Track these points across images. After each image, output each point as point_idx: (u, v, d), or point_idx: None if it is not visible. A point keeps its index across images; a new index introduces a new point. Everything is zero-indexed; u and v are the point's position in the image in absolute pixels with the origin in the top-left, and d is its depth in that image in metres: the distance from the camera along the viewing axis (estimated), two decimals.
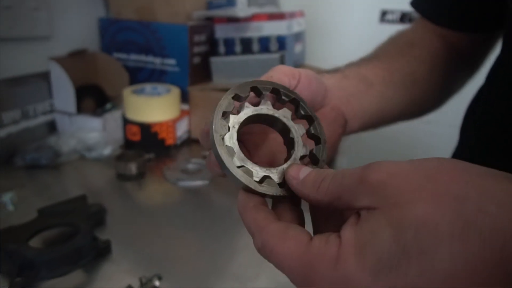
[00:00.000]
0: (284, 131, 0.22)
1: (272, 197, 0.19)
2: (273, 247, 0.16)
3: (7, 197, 0.51)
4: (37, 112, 0.67)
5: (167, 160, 0.69)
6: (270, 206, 0.19)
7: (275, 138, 0.24)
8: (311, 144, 0.22)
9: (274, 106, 0.22)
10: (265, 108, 0.22)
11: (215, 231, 0.49)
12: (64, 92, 0.68)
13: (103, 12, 0.82)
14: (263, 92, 0.22)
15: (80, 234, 0.41)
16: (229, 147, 0.19)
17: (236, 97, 0.21)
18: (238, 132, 0.20)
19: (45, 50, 0.68)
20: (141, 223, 0.51)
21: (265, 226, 0.17)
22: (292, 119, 0.22)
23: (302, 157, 0.21)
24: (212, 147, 0.19)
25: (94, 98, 0.76)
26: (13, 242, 0.39)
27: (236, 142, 0.20)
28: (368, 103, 0.33)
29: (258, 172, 0.19)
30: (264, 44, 0.76)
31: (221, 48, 0.78)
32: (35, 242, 0.41)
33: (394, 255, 0.14)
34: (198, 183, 0.60)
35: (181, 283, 0.39)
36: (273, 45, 0.75)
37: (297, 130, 0.22)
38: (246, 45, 0.77)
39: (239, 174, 0.19)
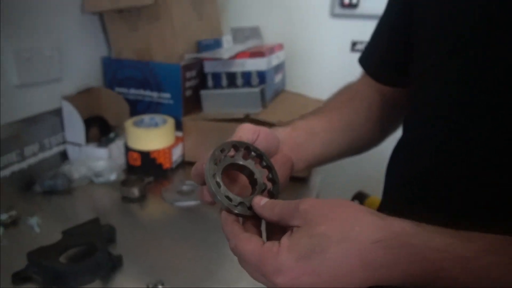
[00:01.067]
0: (250, 174, 0.33)
1: (243, 216, 0.30)
2: (241, 247, 0.27)
3: (34, 220, 0.62)
4: (51, 144, 0.77)
5: (165, 182, 0.80)
6: (241, 222, 0.30)
7: (244, 178, 0.35)
8: (270, 183, 0.33)
9: (244, 156, 0.33)
10: (239, 159, 0.33)
11: (208, 243, 0.60)
12: (74, 125, 0.78)
13: (106, 51, 0.93)
14: (240, 148, 0.33)
15: (98, 251, 0.51)
16: (218, 182, 0.30)
17: (222, 151, 0.32)
18: (222, 173, 0.31)
19: (57, 90, 0.79)
20: (145, 239, 0.61)
21: (237, 234, 0.28)
22: (260, 166, 0.33)
23: (261, 192, 0.32)
24: (207, 182, 0.29)
25: (99, 127, 0.87)
26: (46, 259, 0.50)
27: (220, 180, 0.30)
28: (312, 149, 0.44)
29: (236, 199, 0.30)
30: (247, 78, 0.87)
31: (210, 82, 0.89)
32: (63, 258, 0.51)
33: (308, 251, 0.25)
34: (191, 203, 0.71)
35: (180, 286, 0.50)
36: (254, 80, 0.87)
37: (259, 174, 0.33)
38: (231, 79, 0.88)
39: (224, 200, 0.29)
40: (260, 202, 0.29)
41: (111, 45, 0.89)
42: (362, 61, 0.53)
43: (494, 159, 0.30)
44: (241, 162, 0.32)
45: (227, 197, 0.29)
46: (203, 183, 0.31)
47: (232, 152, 0.33)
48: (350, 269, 0.24)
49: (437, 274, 0.23)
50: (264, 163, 0.33)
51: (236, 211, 0.29)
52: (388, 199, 0.45)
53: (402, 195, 0.41)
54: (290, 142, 0.41)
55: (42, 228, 0.62)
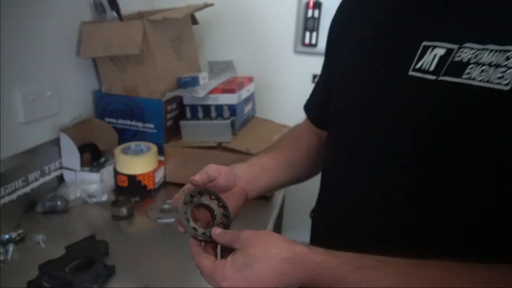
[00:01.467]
0: (211, 211, 0.48)
1: (205, 241, 0.45)
2: (201, 263, 0.42)
3: (39, 237, 0.74)
4: (50, 170, 0.90)
5: (149, 201, 0.94)
6: (203, 245, 0.45)
7: (207, 214, 0.50)
8: (224, 218, 0.48)
9: (207, 199, 0.48)
10: (204, 200, 0.48)
11: (185, 254, 0.73)
12: (70, 153, 0.91)
13: (97, 85, 1.06)
14: (204, 193, 0.48)
15: (96, 263, 0.65)
16: (188, 218, 0.45)
17: (191, 196, 0.47)
18: (192, 211, 0.46)
19: (56, 123, 0.92)
20: (133, 251, 0.75)
21: (199, 254, 0.43)
22: (218, 206, 0.48)
23: (218, 224, 0.47)
24: (180, 219, 0.44)
25: (91, 153, 1.00)
26: (54, 270, 0.63)
27: (190, 216, 0.45)
28: (263, 182, 0.59)
29: (200, 230, 0.45)
30: (220, 111, 1.03)
31: (188, 113, 1.03)
32: (67, 269, 0.65)
33: (242, 265, 0.39)
34: (172, 220, 0.85)
35: None
36: (226, 113, 1.02)
37: (218, 211, 0.48)
38: (206, 111, 1.03)
39: (191, 231, 0.44)
40: (216, 232, 0.44)
41: (102, 82, 1.02)
42: (305, 108, 0.69)
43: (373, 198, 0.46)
44: (206, 203, 0.47)
45: (194, 228, 0.44)
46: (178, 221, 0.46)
47: (199, 196, 0.48)
48: (268, 276, 0.39)
49: (317, 279, 0.39)
50: (221, 204, 0.48)
51: (200, 238, 0.44)
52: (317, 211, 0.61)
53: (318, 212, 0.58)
54: (246, 176, 0.56)
55: (46, 243, 0.74)
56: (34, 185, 0.86)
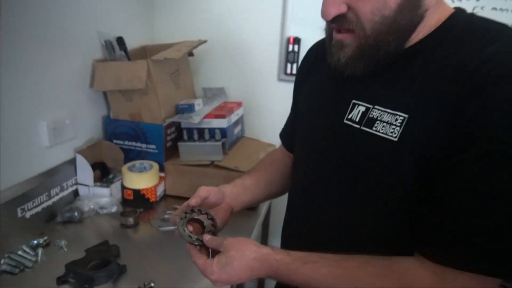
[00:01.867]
0: (201, 223, 0.65)
1: (199, 245, 0.61)
2: (196, 262, 0.58)
3: (62, 242, 0.90)
4: (68, 185, 1.06)
5: (151, 212, 1.10)
6: (198, 248, 0.62)
7: (199, 225, 0.66)
8: (213, 227, 0.65)
9: (198, 214, 0.64)
10: (195, 215, 0.64)
11: (183, 256, 0.90)
12: (84, 171, 1.07)
13: (105, 111, 1.22)
14: (195, 210, 0.64)
15: (111, 263, 0.81)
16: (184, 229, 0.61)
17: (186, 213, 0.63)
18: (186, 224, 0.62)
19: (72, 145, 1.08)
20: (140, 254, 0.90)
21: (195, 255, 0.59)
22: (207, 219, 0.65)
23: (208, 232, 0.64)
24: (178, 230, 0.61)
25: (101, 170, 1.16)
26: (78, 268, 0.78)
27: (186, 227, 0.61)
28: (245, 198, 0.75)
29: (194, 237, 0.61)
30: (212, 133, 1.19)
31: (185, 136, 1.20)
32: (88, 268, 0.80)
33: (224, 264, 0.56)
34: (171, 227, 1.00)
35: (167, 285, 0.80)
36: (217, 135, 1.19)
37: (207, 223, 0.64)
38: (201, 134, 1.20)
39: (187, 238, 0.60)
40: (206, 238, 0.60)
41: (110, 109, 1.19)
42: (280, 136, 0.86)
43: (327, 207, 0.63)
44: (196, 217, 0.64)
45: (189, 236, 0.61)
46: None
47: (191, 213, 0.64)
48: (243, 271, 0.55)
49: (277, 272, 0.54)
50: (209, 217, 0.65)
51: (195, 243, 0.60)
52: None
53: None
54: (231, 194, 0.73)
55: (68, 248, 0.90)
56: (55, 199, 1.01)
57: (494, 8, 1.23)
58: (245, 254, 0.55)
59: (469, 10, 1.29)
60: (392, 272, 0.49)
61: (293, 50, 1.36)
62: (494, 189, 0.43)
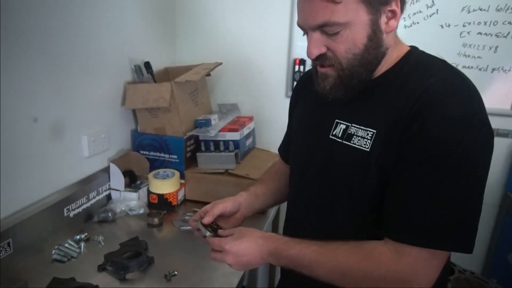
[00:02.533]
0: (215, 228, 0.79)
1: (214, 236, 0.76)
2: (214, 242, 0.72)
3: (100, 238, 1.06)
4: (102, 190, 1.23)
5: (173, 214, 1.25)
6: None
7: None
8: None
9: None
10: (213, 225, 0.79)
11: (201, 250, 1.04)
12: (117, 178, 1.24)
13: (133, 125, 1.40)
14: (212, 224, 0.79)
15: (142, 254, 0.96)
16: (204, 228, 0.76)
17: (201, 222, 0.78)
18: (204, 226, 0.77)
19: (106, 155, 1.26)
20: (164, 248, 1.06)
21: (211, 239, 0.74)
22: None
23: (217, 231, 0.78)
24: (200, 228, 0.76)
25: (129, 177, 1.33)
26: (115, 258, 0.94)
27: (204, 227, 0.76)
28: (257, 205, 0.89)
29: (210, 233, 0.76)
30: (227, 145, 1.35)
31: (203, 147, 1.36)
32: (123, 258, 0.96)
33: (237, 238, 0.69)
34: (190, 227, 1.16)
35: (188, 276, 0.95)
36: (231, 146, 1.34)
37: (217, 227, 0.79)
38: (216, 145, 1.35)
39: (207, 233, 0.75)
40: (221, 231, 0.75)
41: (138, 124, 1.37)
42: (279, 151, 1.01)
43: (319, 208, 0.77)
44: (214, 226, 0.78)
45: (208, 231, 0.75)
46: (196, 229, 0.78)
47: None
48: (251, 246, 0.68)
49: (277, 246, 0.67)
50: (216, 226, 0.78)
51: (213, 235, 0.75)
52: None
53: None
54: (246, 203, 0.87)
55: (104, 242, 1.06)
56: (92, 201, 1.18)
57: (479, 33, 1.35)
58: (253, 233, 0.70)
59: (457, 35, 1.43)
60: (362, 249, 0.63)
61: (299, 70, 1.51)
62: (432, 184, 0.58)
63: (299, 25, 0.68)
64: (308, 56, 0.67)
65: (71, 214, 1.10)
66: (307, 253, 0.65)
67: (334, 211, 0.71)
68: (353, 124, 0.69)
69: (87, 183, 1.16)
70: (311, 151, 0.76)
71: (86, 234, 1.08)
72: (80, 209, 1.13)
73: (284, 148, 0.98)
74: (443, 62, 0.67)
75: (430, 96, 0.59)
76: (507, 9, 1.31)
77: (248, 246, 0.68)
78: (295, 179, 0.82)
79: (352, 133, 0.68)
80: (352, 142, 0.68)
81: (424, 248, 0.58)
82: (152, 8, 1.47)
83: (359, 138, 0.66)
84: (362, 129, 0.67)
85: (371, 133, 0.65)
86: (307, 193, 0.77)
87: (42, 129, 0.99)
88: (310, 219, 0.76)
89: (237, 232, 0.71)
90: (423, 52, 0.70)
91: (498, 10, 1.32)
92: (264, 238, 0.69)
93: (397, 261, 0.60)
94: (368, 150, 0.65)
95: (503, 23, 1.33)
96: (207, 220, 0.77)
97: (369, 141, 0.65)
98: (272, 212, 1.30)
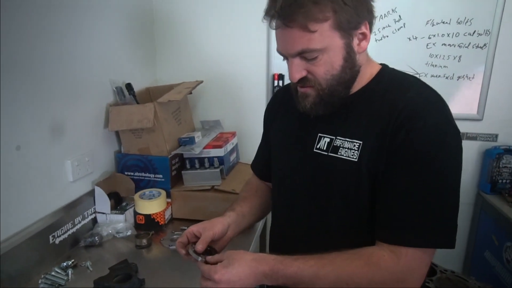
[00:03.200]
0: (208, 251, 0.80)
1: (204, 261, 0.76)
2: (203, 269, 0.72)
3: (88, 263, 1.05)
4: (88, 214, 1.22)
5: (161, 233, 1.25)
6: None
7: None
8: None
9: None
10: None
11: (189, 269, 1.05)
12: (102, 201, 1.23)
13: (117, 147, 1.40)
14: (201, 245, 0.80)
15: (132, 277, 0.96)
16: (194, 251, 0.77)
17: (194, 243, 0.79)
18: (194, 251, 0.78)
19: (91, 179, 1.25)
20: (154, 270, 1.06)
21: (201, 265, 0.74)
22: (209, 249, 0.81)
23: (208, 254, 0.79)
24: (191, 254, 0.76)
25: (115, 199, 1.32)
26: (106, 283, 0.94)
27: (194, 252, 0.77)
28: (243, 225, 0.90)
29: (201, 258, 0.76)
30: (211, 162, 1.37)
31: (187, 165, 1.37)
32: (114, 281, 0.95)
33: (227, 265, 0.70)
34: None
35: None
36: (216, 163, 1.36)
37: (209, 250, 0.80)
38: (201, 162, 1.37)
39: (195, 256, 0.76)
40: (209, 257, 0.74)
41: (122, 145, 1.37)
42: (253, 167, 1.04)
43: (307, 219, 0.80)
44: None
45: (197, 255, 0.75)
46: (186, 254, 0.78)
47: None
48: (243, 270, 0.69)
49: (273, 267, 0.68)
50: (209, 248, 0.79)
51: (203, 260, 0.75)
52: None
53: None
54: (234, 225, 0.87)
55: (93, 267, 1.05)
56: (78, 226, 1.17)
57: (444, 44, 1.45)
58: (244, 256, 0.70)
59: (423, 46, 1.52)
60: (361, 256, 0.67)
61: (278, 85, 1.56)
62: (421, 187, 0.64)
63: (279, 52, 0.72)
64: (291, 80, 0.72)
65: (57, 240, 1.08)
66: (306, 269, 0.66)
67: (327, 220, 0.75)
68: (337, 137, 0.74)
69: (72, 208, 1.15)
70: (298, 166, 0.80)
71: (73, 260, 1.06)
72: (66, 235, 1.12)
73: (259, 165, 1.01)
74: (414, 77, 0.74)
75: (412, 108, 0.66)
76: (466, 21, 1.42)
77: (240, 271, 0.67)
78: (284, 191, 0.85)
79: (338, 145, 0.73)
80: (339, 154, 0.72)
81: (418, 248, 0.64)
82: (132, 30, 1.49)
83: (346, 149, 0.72)
84: (348, 141, 0.72)
85: (358, 144, 0.70)
86: (299, 203, 0.80)
87: (25, 157, 0.98)
88: (302, 229, 0.79)
89: (226, 258, 0.70)
90: (393, 69, 0.77)
91: (459, 23, 1.42)
92: (257, 261, 0.69)
93: (396, 262, 0.64)
94: (356, 160, 0.70)
95: (464, 35, 1.43)
96: (200, 248, 0.77)
97: (356, 151, 0.70)
98: (259, 227, 1.32)
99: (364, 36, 0.70)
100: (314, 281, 0.66)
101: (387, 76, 0.75)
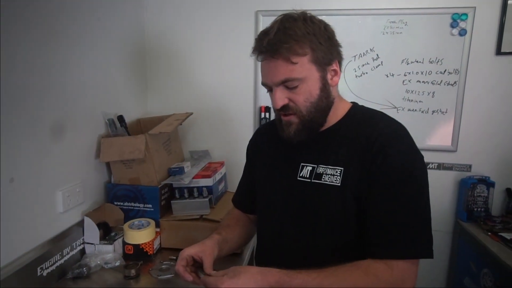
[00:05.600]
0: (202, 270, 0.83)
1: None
2: (207, 282, 0.74)
3: None
4: (77, 245, 1.22)
5: (150, 264, 1.26)
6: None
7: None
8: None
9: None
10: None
11: None
12: (91, 231, 1.24)
13: (107, 177, 1.42)
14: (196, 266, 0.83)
15: None
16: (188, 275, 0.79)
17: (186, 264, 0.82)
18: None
19: (81, 209, 1.26)
20: None
21: (205, 278, 0.75)
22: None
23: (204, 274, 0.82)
24: (183, 277, 0.79)
25: (103, 229, 1.33)
26: None
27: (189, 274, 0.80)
28: (226, 249, 0.92)
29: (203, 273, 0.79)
30: (200, 191, 1.40)
31: (177, 194, 1.40)
32: None
33: (233, 276, 0.71)
34: (168, 276, 1.18)
35: None
36: (205, 192, 1.40)
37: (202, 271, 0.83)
38: (190, 192, 1.40)
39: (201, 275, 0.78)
40: (213, 272, 0.77)
41: (112, 175, 1.39)
42: (234, 202, 1.10)
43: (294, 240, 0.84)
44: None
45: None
46: (195, 276, 0.80)
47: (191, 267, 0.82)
48: (249, 282, 0.71)
49: (279, 279, 0.71)
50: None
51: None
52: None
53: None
54: (217, 248, 0.90)
55: None
56: (66, 257, 1.17)
57: (418, 81, 1.57)
58: (250, 269, 0.73)
59: (400, 82, 1.63)
60: (360, 267, 0.73)
61: (264, 117, 1.64)
62: (402, 205, 0.74)
63: (264, 84, 0.82)
64: (274, 106, 0.80)
65: (45, 273, 1.08)
66: (310, 280, 0.71)
67: (314, 244, 0.81)
68: (319, 165, 0.81)
69: (61, 239, 1.15)
70: (283, 194, 0.86)
71: None
72: (53, 267, 1.12)
73: (242, 199, 1.08)
74: (381, 112, 0.86)
75: (385, 137, 0.77)
76: (438, 61, 1.54)
77: (247, 282, 0.70)
78: (270, 218, 0.90)
79: (321, 172, 0.80)
80: (323, 180, 0.80)
81: (408, 259, 0.73)
82: (124, 63, 1.55)
83: (329, 175, 0.79)
84: (330, 168, 0.80)
85: (339, 170, 0.79)
86: (286, 229, 0.85)
87: (18, 189, 1.00)
88: (290, 254, 0.84)
89: (231, 271, 0.72)
90: (363, 106, 0.89)
91: (431, 62, 1.55)
92: (262, 274, 0.72)
93: (390, 273, 0.72)
94: (339, 185, 0.77)
95: (436, 73, 1.55)
96: (209, 270, 0.79)
97: (338, 177, 0.78)
98: (247, 255, 1.35)
99: (335, 73, 0.81)
100: None
101: (359, 111, 0.86)
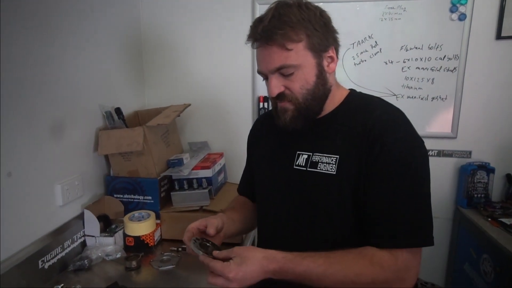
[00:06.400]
0: (204, 245, 0.83)
1: (210, 257, 0.77)
2: (214, 267, 0.71)
3: (77, 287, 1.06)
4: (77, 238, 1.23)
5: (151, 255, 1.27)
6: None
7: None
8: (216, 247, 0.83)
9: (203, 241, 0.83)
10: (204, 241, 0.82)
11: None
12: (92, 224, 1.25)
13: (106, 170, 1.42)
14: (203, 241, 0.83)
15: None
16: (197, 247, 0.78)
17: (196, 239, 0.81)
18: (198, 245, 0.80)
19: (80, 202, 1.26)
20: None
21: (211, 262, 0.73)
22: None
23: (213, 250, 0.81)
24: (193, 248, 0.77)
25: (104, 222, 1.33)
26: None
27: (198, 246, 0.78)
28: (233, 230, 0.93)
29: (201, 251, 0.78)
30: (200, 182, 1.40)
31: (176, 186, 1.40)
32: None
33: (240, 263, 0.70)
34: (169, 267, 1.18)
35: None
36: (204, 183, 1.40)
37: (211, 245, 0.83)
38: (190, 183, 1.40)
39: (199, 253, 0.77)
40: (216, 253, 0.75)
41: (111, 168, 1.39)
42: (240, 191, 1.10)
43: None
44: (204, 242, 0.82)
45: (202, 251, 0.77)
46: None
47: (199, 240, 0.82)
48: (256, 269, 0.70)
49: (283, 265, 0.70)
50: (209, 244, 0.82)
51: (210, 256, 0.76)
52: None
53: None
54: (226, 225, 0.89)
55: None
56: (67, 250, 1.18)
57: (418, 68, 1.55)
58: (256, 254, 0.72)
59: (399, 69, 1.61)
60: (365, 257, 0.72)
61: (263, 107, 1.62)
62: (403, 194, 0.72)
63: (260, 72, 0.81)
64: (270, 94, 0.79)
65: (46, 265, 1.09)
66: (315, 267, 0.70)
67: (312, 233, 0.80)
68: (315, 153, 0.80)
69: (61, 232, 1.16)
70: (280, 183, 0.86)
71: (62, 285, 1.06)
72: (55, 260, 1.12)
73: (246, 188, 1.07)
74: (378, 98, 0.84)
75: (382, 124, 0.75)
76: (437, 47, 1.52)
77: (254, 270, 0.69)
78: (269, 206, 0.90)
79: (317, 160, 0.80)
80: (318, 168, 0.79)
81: (411, 248, 0.72)
82: (121, 55, 1.54)
83: (325, 164, 0.78)
84: (325, 156, 0.79)
85: (335, 158, 0.77)
86: (284, 217, 0.85)
87: (16, 183, 1.00)
88: (288, 243, 0.83)
89: (237, 255, 0.70)
90: (360, 92, 0.87)
91: (430, 48, 1.53)
92: (268, 259, 0.71)
93: (395, 262, 0.71)
94: (334, 173, 0.76)
95: (435, 59, 1.53)
96: (212, 231, 0.80)
97: (334, 165, 0.77)
98: (248, 244, 1.35)
99: (332, 59, 0.80)
100: (322, 279, 0.71)
101: (356, 98, 0.85)
